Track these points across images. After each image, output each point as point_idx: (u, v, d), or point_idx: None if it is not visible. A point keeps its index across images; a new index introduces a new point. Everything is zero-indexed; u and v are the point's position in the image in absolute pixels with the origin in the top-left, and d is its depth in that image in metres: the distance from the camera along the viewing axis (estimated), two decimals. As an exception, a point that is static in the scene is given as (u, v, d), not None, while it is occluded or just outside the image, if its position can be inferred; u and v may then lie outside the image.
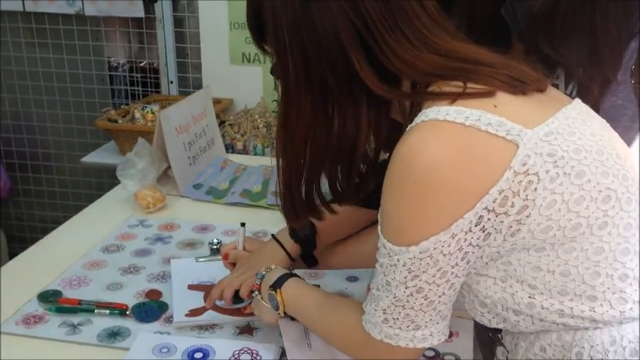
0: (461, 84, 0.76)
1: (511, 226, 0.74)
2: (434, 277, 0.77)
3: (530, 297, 0.78)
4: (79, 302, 1.21)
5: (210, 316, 1.17)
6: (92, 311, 1.19)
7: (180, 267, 1.33)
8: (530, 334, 0.83)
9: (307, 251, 1.16)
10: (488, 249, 0.77)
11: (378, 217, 0.81)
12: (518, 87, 0.78)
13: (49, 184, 2.72)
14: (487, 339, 0.96)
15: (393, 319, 0.81)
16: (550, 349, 0.81)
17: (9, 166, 2.63)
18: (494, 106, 0.74)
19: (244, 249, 1.21)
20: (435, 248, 0.75)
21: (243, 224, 1.22)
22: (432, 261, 0.75)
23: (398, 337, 0.82)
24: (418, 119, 0.76)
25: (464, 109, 0.74)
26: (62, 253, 1.40)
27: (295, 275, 1.05)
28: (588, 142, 0.76)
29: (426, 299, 0.78)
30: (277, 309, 1.01)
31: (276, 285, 1.02)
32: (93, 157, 2.31)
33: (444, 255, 0.75)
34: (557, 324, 0.79)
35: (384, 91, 0.79)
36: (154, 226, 1.54)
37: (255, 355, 1.08)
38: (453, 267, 0.76)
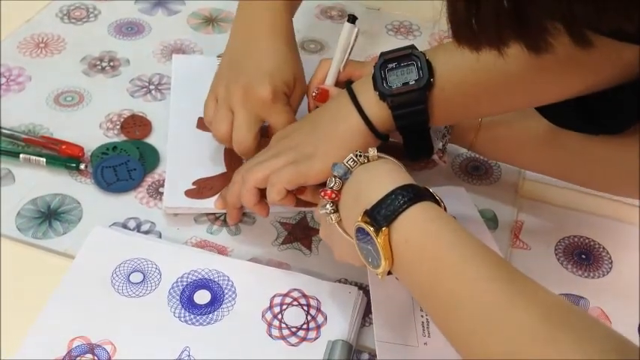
0: None
1: None
2: None
3: None
4: (-4, 132, 0.65)
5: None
6: (17, 156, 0.63)
7: (189, 71, 0.72)
8: None
9: (415, 126, 0.52)
10: None
11: None
12: None
13: None
14: None
15: None
16: None
17: None
18: None
19: (337, 82, 0.59)
20: None
21: (352, 18, 0.58)
22: None
23: None
24: None
25: None
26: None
27: (428, 196, 0.44)
28: None
29: None
30: (375, 264, 0.43)
31: (382, 214, 0.42)
32: None
33: None
34: None
35: None
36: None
37: (311, 313, 0.53)
38: None
